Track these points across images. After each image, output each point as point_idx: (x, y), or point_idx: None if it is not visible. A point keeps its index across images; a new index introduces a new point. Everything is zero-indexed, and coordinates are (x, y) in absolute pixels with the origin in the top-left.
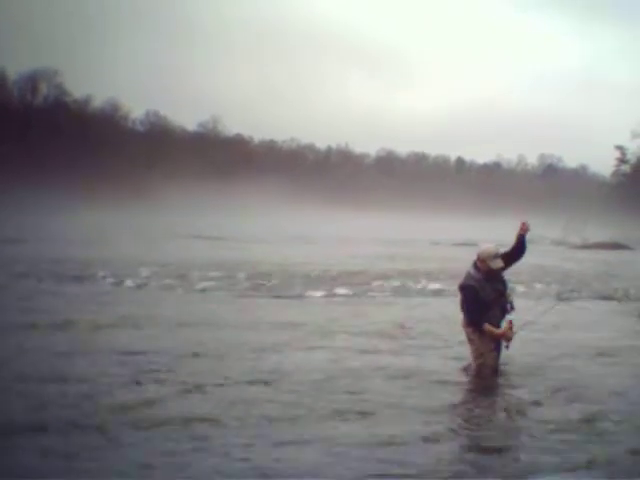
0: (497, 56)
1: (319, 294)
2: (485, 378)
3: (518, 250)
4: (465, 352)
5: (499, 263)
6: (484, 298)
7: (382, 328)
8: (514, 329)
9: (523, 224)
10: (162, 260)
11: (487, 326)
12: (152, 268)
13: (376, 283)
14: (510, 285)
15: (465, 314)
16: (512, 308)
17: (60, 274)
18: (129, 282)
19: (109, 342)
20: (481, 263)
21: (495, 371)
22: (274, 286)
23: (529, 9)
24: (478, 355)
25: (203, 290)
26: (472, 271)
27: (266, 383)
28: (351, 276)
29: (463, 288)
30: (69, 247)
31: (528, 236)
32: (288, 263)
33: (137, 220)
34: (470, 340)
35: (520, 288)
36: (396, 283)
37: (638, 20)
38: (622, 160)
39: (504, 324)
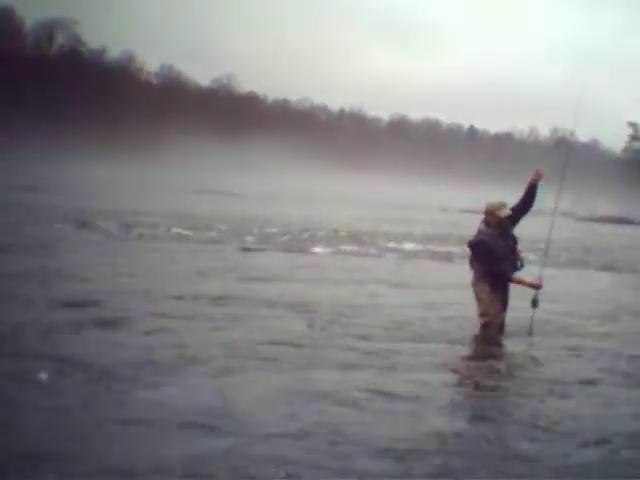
0: (514, 28)
1: (328, 250)
2: (490, 337)
3: (527, 199)
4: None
5: (507, 211)
6: (497, 252)
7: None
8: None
9: (536, 171)
10: (176, 212)
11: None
12: (166, 219)
13: (381, 243)
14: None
15: (487, 268)
16: (522, 265)
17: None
18: (139, 231)
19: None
20: (490, 216)
21: (500, 330)
22: (282, 242)
23: None
24: (484, 313)
25: (209, 241)
26: (482, 227)
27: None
28: (357, 236)
29: (476, 244)
30: (81, 197)
31: (535, 207)
32: (296, 221)
33: (148, 173)
34: (478, 299)
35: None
36: (394, 244)
37: None
38: (634, 137)
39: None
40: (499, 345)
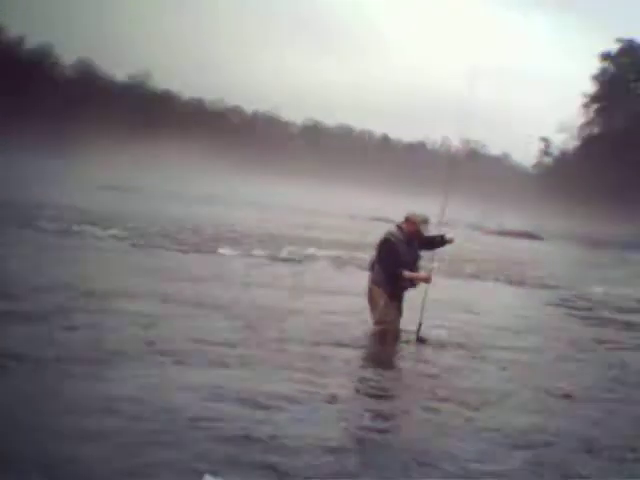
0: (432, 39)
1: (234, 253)
2: (388, 344)
3: (436, 244)
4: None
5: (428, 228)
6: (399, 253)
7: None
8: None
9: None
10: (77, 207)
11: (406, 272)
12: (67, 214)
13: (288, 248)
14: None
15: (382, 266)
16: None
17: None
18: (39, 225)
19: None
20: (409, 225)
21: (395, 338)
22: (183, 241)
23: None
24: (381, 321)
25: (110, 237)
26: (394, 230)
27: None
28: (262, 239)
29: (383, 241)
30: None
31: (444, 220)
32: (201, 222)
33: (56, 168)
34: (374, 304)
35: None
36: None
37: (568, 12)
38: (545, 152)
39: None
40: (394, 350)
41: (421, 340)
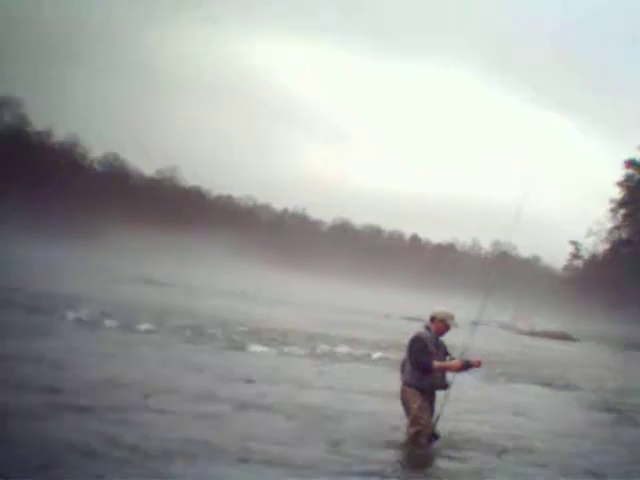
0: (461, 142)
1: (266, 350)
2: (421, 445)
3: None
4: None
5: (455, 324)
6: (429, 349)
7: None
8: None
9: (478, 362)
10: (108, 300)
11: (437, 363)
12: (99, 307)
13: (322, 346)
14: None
15: (412, 361)
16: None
17: (10, 303)
18: (70, 316)
19: None
20: (436, 324)
21: (430, 438)
22: (213, 337)
23: (494, 93)
24: (415, 422)
25: (145, 332)
26: (423, 330)
27: None
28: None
29: (414, 339)
30: (18, 279)
31: (476, 318)
32: (232, 318)
33: (86, 259)
34: (408, 407)
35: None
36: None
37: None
38: (575, 255)
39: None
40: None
41: (435, 437)
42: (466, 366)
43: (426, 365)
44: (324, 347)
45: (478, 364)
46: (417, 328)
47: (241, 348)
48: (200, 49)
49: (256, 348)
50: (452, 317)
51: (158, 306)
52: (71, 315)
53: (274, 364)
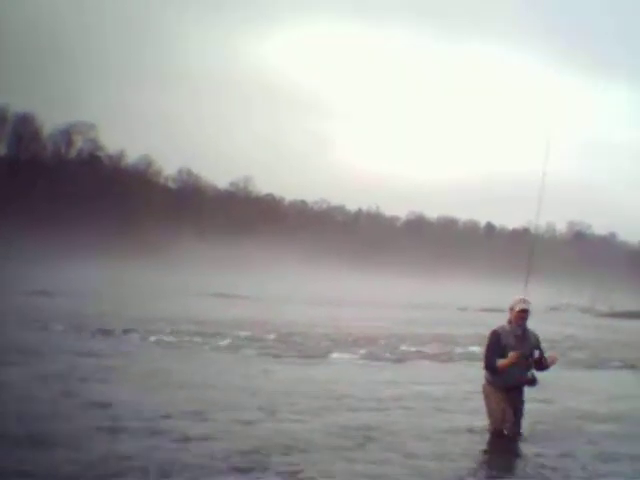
0: (523, 124)
1: (346, 356)
2: (496, 437)
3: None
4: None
5: (522, 305)
6: (500, 345)
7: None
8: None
9: (554, 358)
10: (193, 318)
11: (501, 361)
12: (184, 325)
13: (403, 347)
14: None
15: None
16: (535, 380)
17: (86, 327)
18: (153, 338)
19: None
20: (512, 313)
21: (502, 432)
22: (300, 347)
23: (564, 72)
24: (492, 419)
25: (229, 347)
26: (504, 324)
27: None
28: (373, 340)
29: (490, 334)
30: (98, 302)
31: (555, 304)
32: (314, 324)
33: (168, 278)
34: (486, 400)
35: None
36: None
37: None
38: None
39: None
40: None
41: (516, 434)
42: (528, 359)
43: (486, 365)
44: (407, 348)
45: (553, 361)
46: (497, 319)
47: (323, 356)
48: (251, 54)
49: (340, 355)
50: (521, 302)
51: (236, 319)
52: (153, 338)
53: (371, 374)
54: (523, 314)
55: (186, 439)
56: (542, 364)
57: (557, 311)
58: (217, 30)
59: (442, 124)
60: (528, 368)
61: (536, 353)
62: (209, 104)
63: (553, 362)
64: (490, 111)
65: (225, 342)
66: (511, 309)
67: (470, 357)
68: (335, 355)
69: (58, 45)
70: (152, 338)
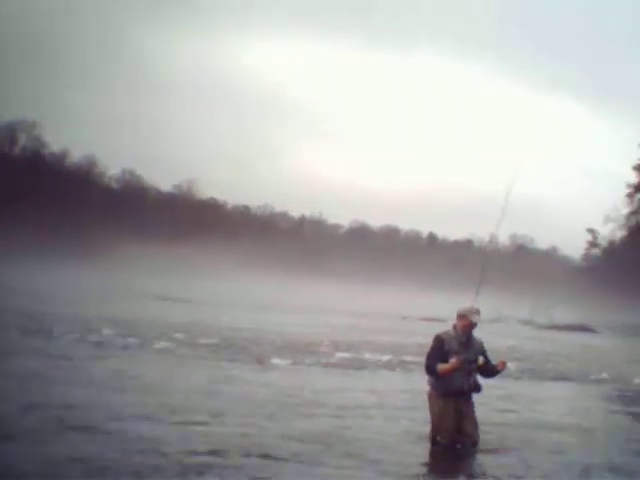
0: (467, 139)
1: (285, 362)
2: (436, 443)
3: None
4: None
5: (477, 317)
6: (448, 349)
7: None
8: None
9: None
10: (127, 318)
11: (442, 366)
12: (116, 327)
13: (339, 355)
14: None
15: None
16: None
17: (25, 328)
18: (90, 339)
19: None
20: (460, 319)
21: (450, 436)
22: (235, 350)
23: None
24: (432, 417)
25: (161, 351)
26: (449, 330)
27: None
28: (314, 346)
29: (433, 339)
30: (34, 302)
31: (495, 315)
32: (256, 329)
33: (105, 278)
34: (429, 406)
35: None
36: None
37: (612, 102)
38: (593, 244)
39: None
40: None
41: (467, 442)
42: (467, 365)
43: (426, 368)
44: (345, 355)
45: (502, 367)
46: (436, 329)
47: (260, 361)
48: (206, 57)
49: (278, 361)
50: (474, 312)
51: (174, 321)
52: (93, 338)
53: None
54: (473, 325)
55: (137, 440)
56: (488, 370)
57: (498, 322)
58: (162, 30)
59: (390, 134)
60: (471, 374)
61: (480, 359)
62: (158, 106)
63: (502, 368)
64: (442, 124)
65: (162, 344)
66: (462, 316)
67: (406, 366)
68: (277, 361)
69: (3, 44)
70: (90, 339)
